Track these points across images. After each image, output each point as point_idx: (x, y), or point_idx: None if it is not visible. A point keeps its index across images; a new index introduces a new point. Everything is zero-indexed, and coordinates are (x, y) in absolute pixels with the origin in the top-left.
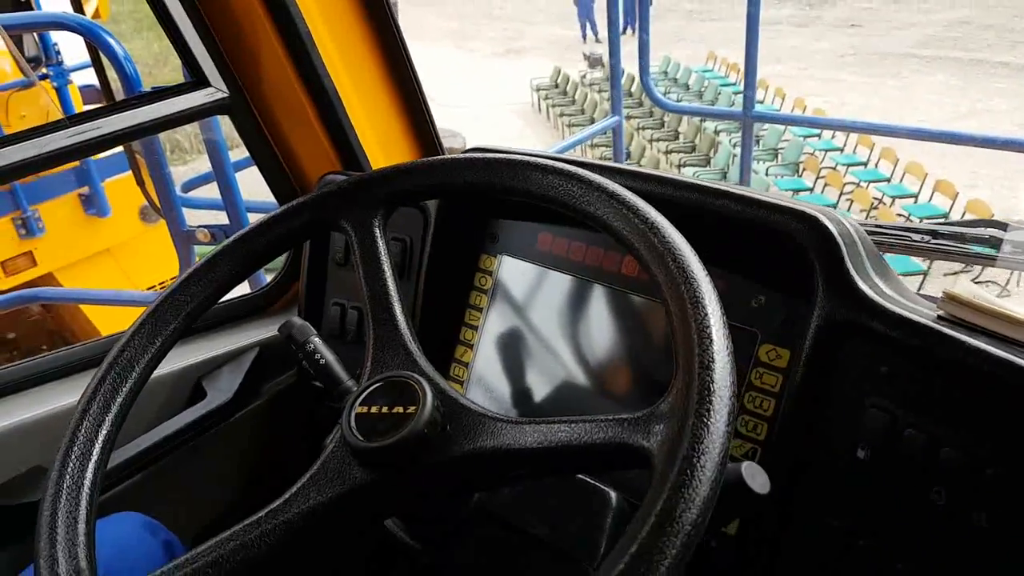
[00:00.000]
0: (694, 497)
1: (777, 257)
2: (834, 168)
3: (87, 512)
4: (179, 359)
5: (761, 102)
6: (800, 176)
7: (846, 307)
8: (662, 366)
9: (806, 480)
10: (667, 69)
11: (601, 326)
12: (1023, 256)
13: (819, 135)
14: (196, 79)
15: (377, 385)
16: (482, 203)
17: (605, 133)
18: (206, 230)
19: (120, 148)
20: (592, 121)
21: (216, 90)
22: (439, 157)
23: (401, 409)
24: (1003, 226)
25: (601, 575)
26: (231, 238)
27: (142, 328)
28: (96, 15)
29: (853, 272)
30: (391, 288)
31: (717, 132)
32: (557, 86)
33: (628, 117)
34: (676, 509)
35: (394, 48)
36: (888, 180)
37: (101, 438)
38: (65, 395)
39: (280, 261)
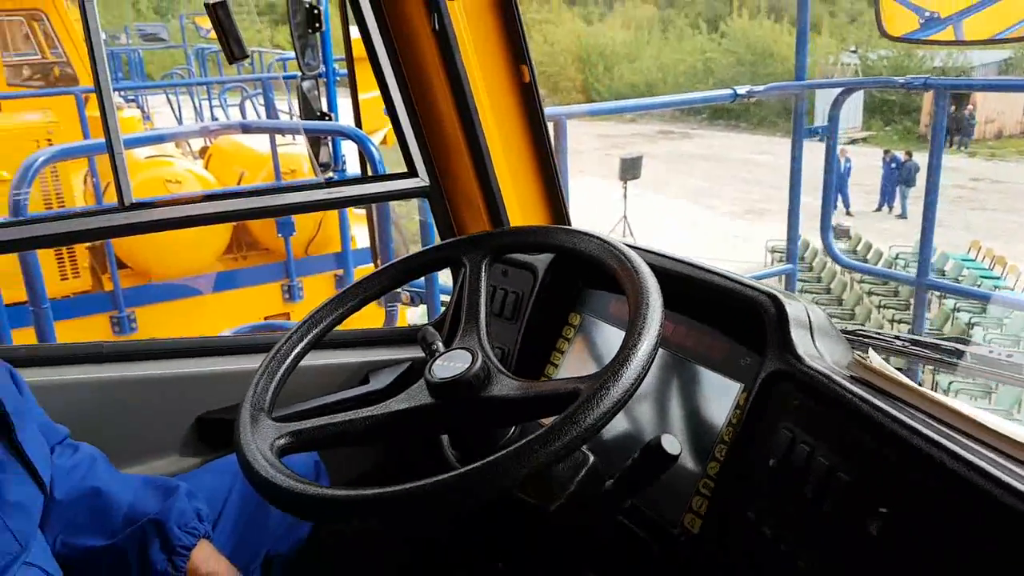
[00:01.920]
0: (591, 410)
1: (759, 328)
2: None
3: (276, 387)
4: (358, 356)
5: None
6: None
7: (783, 360)
8: (681, 406)
9: (738, 485)
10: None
11: (651, 398)
12: (977, 364)
13: None
14: (409, 171)
15: (455, 350)
16: (578, 272)
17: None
18: (408, 293)
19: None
20: (828, 290)
21: (421, 180)
22: (527, 226)
23: (462, 365)
24: (967, 342)
25: (514, 448)
26: (396, 260)
27: (332, 301)
28: (384, 141)
29: (794, 337)
30: (482, 301)
31: (956, 309)
32: (802, 258)
33: (870, 293)
34: (576, 414)
35: (544, 156)
36: None
37: (296, 350)
38: None
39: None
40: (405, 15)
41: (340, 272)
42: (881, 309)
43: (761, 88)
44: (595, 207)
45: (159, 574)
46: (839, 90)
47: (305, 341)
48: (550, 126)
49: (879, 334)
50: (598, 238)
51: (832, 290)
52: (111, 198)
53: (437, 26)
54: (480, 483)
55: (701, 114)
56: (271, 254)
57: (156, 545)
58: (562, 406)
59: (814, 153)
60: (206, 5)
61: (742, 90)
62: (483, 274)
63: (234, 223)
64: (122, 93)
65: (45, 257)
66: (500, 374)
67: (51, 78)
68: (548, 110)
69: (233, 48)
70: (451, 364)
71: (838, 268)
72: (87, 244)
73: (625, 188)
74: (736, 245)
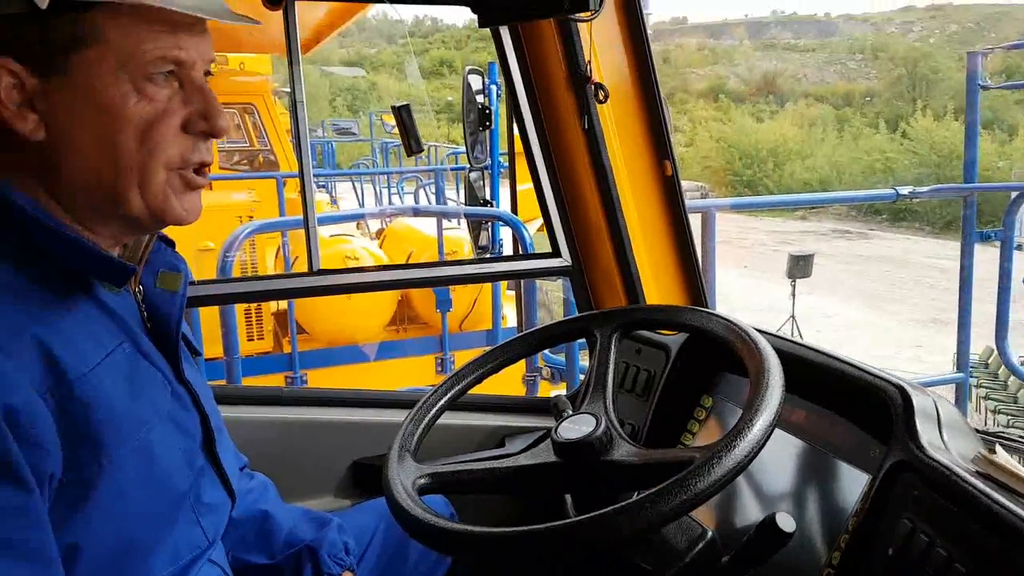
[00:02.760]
0: (701, 478)
1: (887, 418)
2: None
3: (421, 432)
4: (497, 420)
5: None
6: None
7: (907, 451)
8: (809, 494)
9: (857, 574)
10: None
11: (771, 456)
12: None
13: None
14: (554, 251)
15: (582, 414)
16: (713, 356)
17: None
18: (549, 368)
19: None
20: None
21: (564, 260)
22: (654, 305)
23: (587, 428)
24: None
25: (625, 504)
26: (532, 329)
27: (475, 361)
28: (540, 229)
29: (919, 428)
30: (609, 371)
31: None
32: (987, 366)
33: None
34: (686, 480)
35: (684, 243)
36: None
37: (441, 403)
38: None
39: None
40: (559, 115)
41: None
42: None
43: (925, 189)
44: (758, 304)
45: None
46: None
47: (449, 395)
48: (698, 218)
49: (1020, 438)
50: (723, 318)
51: None
52: (298, 271)
53: (586, 125)
54: (591, 532)
55: (880, 215)
56: (429, 328)
57: (308, 570)
58: (676, 473)
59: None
60: (392, 107)
61: (904, 190)
62: (612, 346)
63: (399, 298)
64: (315, 179)
65: (238, 319)
66: (622, 440)
67: (256, 163)
68: (696, 202)
69: (412, 144)
70: (576, 427)
71: None
72: (272, 311)
73: (793, 286)
74: (919, 355)
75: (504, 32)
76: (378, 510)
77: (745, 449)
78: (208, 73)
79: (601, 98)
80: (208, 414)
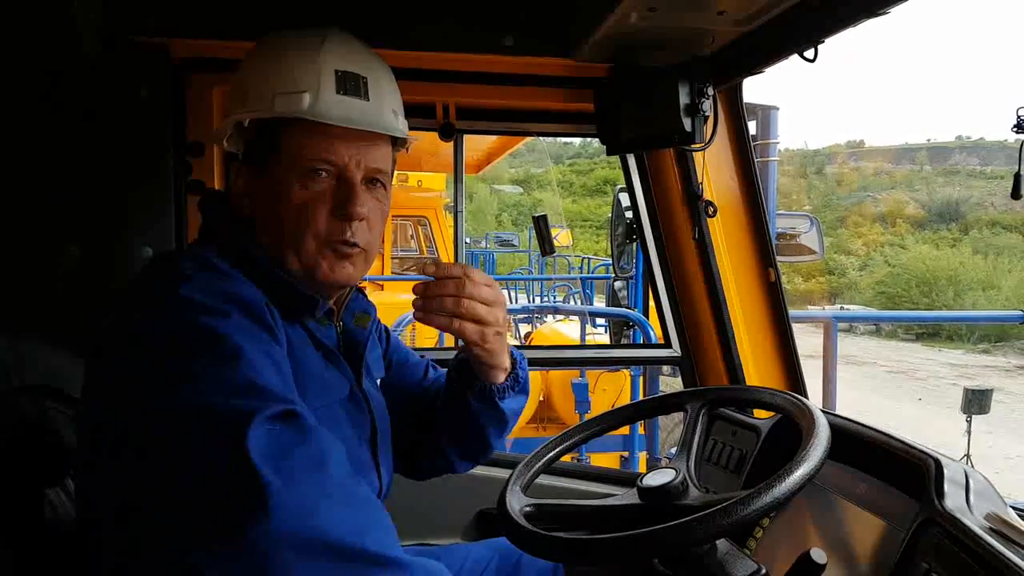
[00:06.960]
0: (741, 509)
1: (923, 482)
2: None
3: (532, 474)
4: (595, 487)
5: None
6: None
7: (934, 511)
8: (851, 548)
9: None
10: None
11: (822, 513)
12: None
13: None
14: (666, 343)
15: (666, 468)
16: (799, 438)
17: None
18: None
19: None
20: None
21: (675, 351)
22: (738, 386)
23: (666, 478)
24: None
25: (675, 523)
26: (632, 403)
27: (580, 425)
28: None
29: (947, 491)
30: (695, 438)
31: None
32: None
33: None
34: (729, 508)
35: (786, 343)
36: None
37: (550, 455)
38: None
39: None
40: (674, 226)
41: (625, 454)
42: None
43: None
44: (931, 440)
45: None
46: None
47: (557, 450)
48: (822, 326)
49: None
50: (792, 396)
51: None
52: None
53: (696, 236)
54: (650, 541)
55: None
56: (566, 428)
57: None
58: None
59: None
60: (533, 217)
61: None
62: (700, 417)
63: (540, 399)
64: None
65: None
66: (695, 488)
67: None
68: (817, 312)
69: (545, 247)
70: (658, 476)
71: None
72: None
73: (969, 423)
74: None
75: (630, 156)
76: (494, 546)
77: (781, 491)
78: (375, 179)
79: (710, 213)
80: (376, 419)
